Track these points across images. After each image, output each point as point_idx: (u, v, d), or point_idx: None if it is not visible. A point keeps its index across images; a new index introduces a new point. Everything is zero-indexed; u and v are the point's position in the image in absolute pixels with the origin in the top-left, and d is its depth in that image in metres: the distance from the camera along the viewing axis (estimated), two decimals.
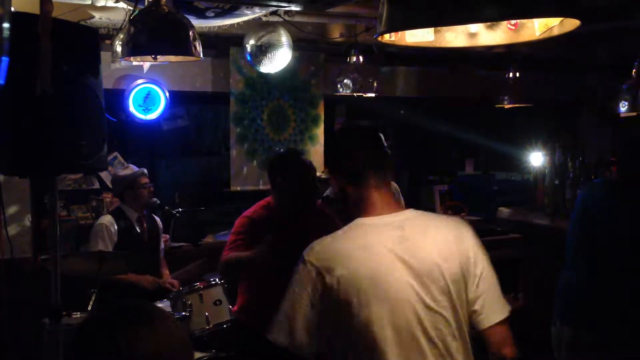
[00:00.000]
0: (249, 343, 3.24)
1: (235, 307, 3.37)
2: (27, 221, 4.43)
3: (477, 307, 1.81)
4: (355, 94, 4.83)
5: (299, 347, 1.77)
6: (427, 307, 1.74)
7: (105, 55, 3.05)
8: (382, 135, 1.91)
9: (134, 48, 2.80)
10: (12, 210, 4.38)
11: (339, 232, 1.83)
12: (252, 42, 4.15)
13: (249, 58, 4.27)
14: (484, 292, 1.81)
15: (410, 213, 1.86)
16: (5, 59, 1.35)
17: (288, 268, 3.03)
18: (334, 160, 1.96)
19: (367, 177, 1.84)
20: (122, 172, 4.25)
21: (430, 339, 1.74)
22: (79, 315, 3.38)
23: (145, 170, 4.28)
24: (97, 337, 1.16)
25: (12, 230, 4.23)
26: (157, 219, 4.43)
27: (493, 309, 1.82)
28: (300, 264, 1.80)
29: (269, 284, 3.07)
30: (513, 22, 1.76)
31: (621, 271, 2.87)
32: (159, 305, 3.85)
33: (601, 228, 2.93)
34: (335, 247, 1.79)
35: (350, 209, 1.88)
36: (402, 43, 1.85)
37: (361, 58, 4.81)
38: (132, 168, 4.26)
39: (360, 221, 1.83)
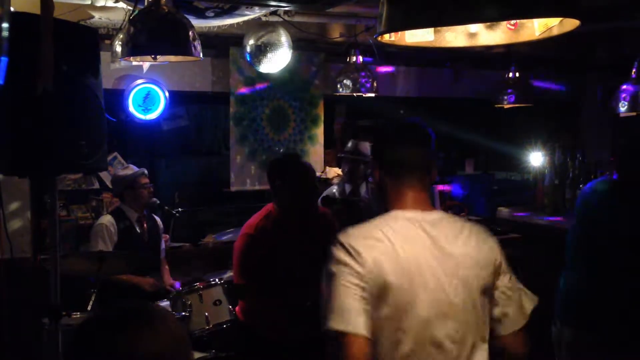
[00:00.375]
0: (249, 343, 3.24)
1: (238, 308, 3.37)
2: (27, 221, 4.43)
3: (499, 314, 1.85)
4: (355, 94, 4.83)
5: (358, 329, 1.68)
6: (455, 309, 1.74)
7: (105, 55, 3.05)
8: (430, 136, 1.91)
9: (133, 48, 2.80)
10: (12, 210, 4.37)
11: (376, 219, 1.83)
12: (251, 42, 4.15)
13: (248, 58, 4.26)
14: (508, 301, 1.85)
15: (442, 214, 1.87)
16: (4, 58, 1.35)
17: (291, 269, 3.04)
18: (378, 150, 1.96)
19: (404, 173, 1.86)
20: (122, 172, 4.25)
21: (451, 341, 1.74)
22: (78, 316, 3.38)
23: (146, 171, 4.28)
24: (97, 337, 1.16)
25: (12, 230, 4.23)
26: (158, 218, 4.43)
27: (515, 317, 1.86)
28: (335, 247, 1.76)
29: (273, 286, 3.07)
30: (513, 22, 1.75)
31: (621, 271, 2.87)
32: (159, 305, 3.85)
33: (601, 228, 2.93)
34: (371, 232, 1.77)
35: (382, 199, 1.90)
36: (402, 43, 1.85)
37: (361, 58, 4.81)
38: (132, 168, 4.26)
39: (396, 212, 1.83)
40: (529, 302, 1.88)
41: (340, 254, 1.73)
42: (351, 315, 1.67)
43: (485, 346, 1.82)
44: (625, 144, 3.12)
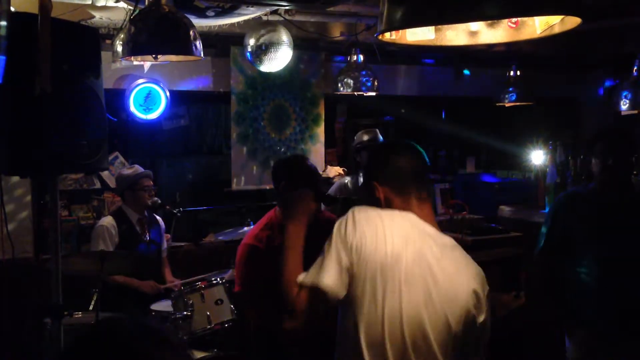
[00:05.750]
0: (253, 341, 3.22)
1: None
2: (29, 221, 4.43)
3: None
4: (356, 93, 4.83)
5: (326, 287, 1.75)
6: (434, 324, 1.76)
7: (105, 55, 3.05)
8: (424, 152, 1.94)
9: (134, 47, 2.80)
10: (13, 209, 4.38)
11: (391, 212, 1.83)
12: (252, 41, 4.15)
13: (249, 57, 4.26)
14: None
15: (448, 238, 1.89)
16: (2, 57, 1.34)
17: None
18: (381, 170, 1.93)
19: (411, 190, 1.87)
20: (126, 172, 4.23)
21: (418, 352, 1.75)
22: (80, 315, 3.39)
23: (151, 174, 4.24)
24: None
25: (14, 229, 4.23)
26: (159, 218, 4.42)
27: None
28: (346, 217, 1.80)
29: (277, 294, 3.03)
30: (514, 20, 1.75)
31: (615, 266, 2.88)
32: (161, 304, 3.85)
33: (581, 224, 2.95)
34: (378, 222, 1.78)
35: None
36: (403, 42, 1.85)
37: (362, 57, 4.80)
38: (138, 169, 4.23)
39: (411, 215, 1.84)
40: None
41: (344, 225, 1.78)
42: (325, 274, 1.75)
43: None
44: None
